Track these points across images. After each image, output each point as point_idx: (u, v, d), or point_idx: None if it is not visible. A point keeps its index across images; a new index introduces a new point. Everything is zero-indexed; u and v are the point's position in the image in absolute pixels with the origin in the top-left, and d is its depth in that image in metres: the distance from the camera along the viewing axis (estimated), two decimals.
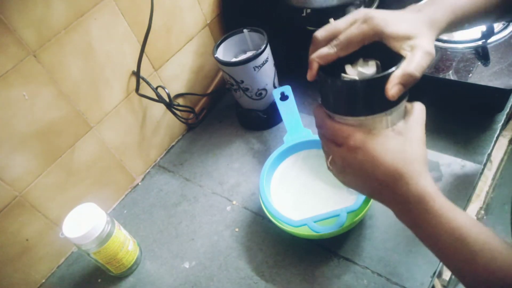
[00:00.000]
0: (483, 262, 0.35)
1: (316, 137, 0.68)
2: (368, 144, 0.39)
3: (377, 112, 0.39)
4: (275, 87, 0.80)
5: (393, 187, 0.38)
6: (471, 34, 0.69)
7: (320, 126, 0.43)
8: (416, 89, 0.40)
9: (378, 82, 0.37)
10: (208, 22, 0.87)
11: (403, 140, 0.39)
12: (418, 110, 0.41)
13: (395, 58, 0.39)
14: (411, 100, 0.43)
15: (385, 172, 0.38)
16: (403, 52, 0.39)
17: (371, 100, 0.39)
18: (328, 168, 0.46)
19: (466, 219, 0.36)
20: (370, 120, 0.40)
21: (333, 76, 0.40)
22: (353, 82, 0.39)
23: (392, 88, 0.37)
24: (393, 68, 0.37)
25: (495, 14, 0.50)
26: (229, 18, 0.90)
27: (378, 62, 0.41)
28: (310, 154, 0.69)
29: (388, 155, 0.38)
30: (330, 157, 0.43)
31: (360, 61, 0.41)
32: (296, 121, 0.70)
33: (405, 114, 0.41)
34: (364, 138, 0.39)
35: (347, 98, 0.40)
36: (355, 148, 0.39)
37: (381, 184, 0.39)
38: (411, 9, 0.44)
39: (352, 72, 0.41)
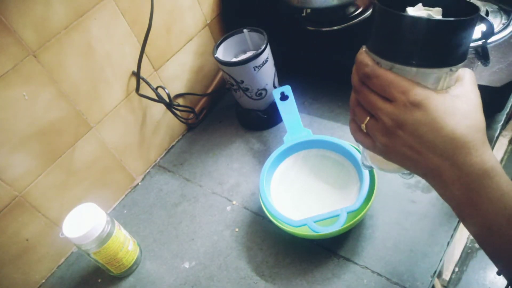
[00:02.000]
0: None
1: (316, 137, 0.68)
2: (431, 102, 0.32)
3: (446, 64, 0.33)
4: (275, 87, 0.80)
5: (452, 157, 0.33)
6: None
7: (368, 75, 0.35)
8: None
9: (459, 26, 0.32)
10: (208, 22, 0.87)
11: (465, 103, 0.34)
12: (470, 75, 0.36)
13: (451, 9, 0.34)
14: None
15: (446, 137, 0.32)
16: None
17: (443, 48, 0.33)
18: (358, 132, 0.38)
19: None
20: (431, 76, 0.34)
21: (403, 11, 0.33)
22: (431, 21, 0.32)
23: None
24: (474, 16, 0.32)
25: None
26: (229, 18, 0.90)
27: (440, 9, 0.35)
28: (310, 154, 0.69)
29: (452, 118, 0.32)
30: (368, 118, 0.36)
31: (420, 5, 0.35)
32: (296, 121, 0.70)
33: (457, 79, 0.36)
34: (427, 94, 0.33)
35: (416, 41, 0.32)
36: (414, 105, 0.33)
37: (436, 153, 0.33)
38: None
39: (418, 14, 0.35)
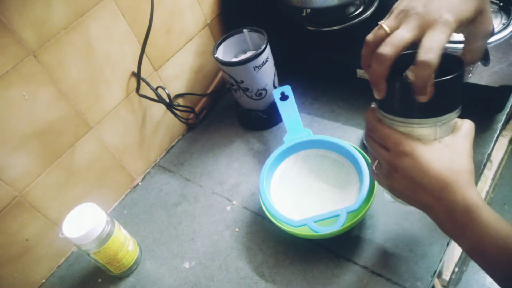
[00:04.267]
0: None
1: (316, 137, 0.68)
2: (417, 150, 0.40)
3: (429, 116, 0.40)
4: (275, 87, 0.80)
5: (439, 196, 0.39)
6: None
7: (371, 130, 0.44)
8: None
9: (443, 85, 0.37)
10: (208, 22, 0.87)
11: (451, 151, 0.40)
12: (467, 126, 0.42)
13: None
14: None
15: (432, 179, 0.39)
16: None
17: (427, 104, 0.38)
18: (373, 172, 0.47)
19: (508, 230, 0.37)
20: (420, 128, 0.41)
21: (395, 77, 0.39)
22: (404, 83, 0.39)
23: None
24: (456, 74, 0.38)
25: None
26: (229, 18, 0.90)
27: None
28: (310, 154, 0.69)
29: (435, 163, 0.39)
30: (377, 161, 0.45)
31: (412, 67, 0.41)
32: (296, 121, 0.70)
33: (454, 130, 0.42)
34: (413, 145, 0.40)
35: (405, 99, 0.40)
36: (404, 154, 0.40)
37: (426, 192, 0.39)
38: None
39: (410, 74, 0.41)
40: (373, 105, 0.45)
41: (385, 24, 0.39)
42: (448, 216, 0.39)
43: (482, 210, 0.37)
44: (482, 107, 0.68)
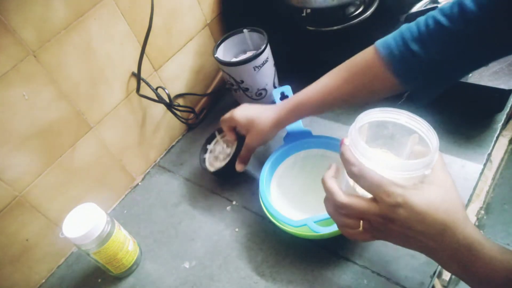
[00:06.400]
0: None
1: (316, 137, 0.67)
2: (410, 199, 0.38)
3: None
4: (275, 87, 0.80)
5: (440, 239, 0.38)
6: None
7: (354, 174, 0.41)
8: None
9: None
10: (208, 22, 0.87)
11: (439, 190, 0.39)
12: (438, 157, 0.41)
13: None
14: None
15: (430, 225, 0.38)
16: None
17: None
18: (357, 235, 0.43)
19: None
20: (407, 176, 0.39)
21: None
22: None
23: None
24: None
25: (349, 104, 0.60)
26: (229, 18, 0.90)
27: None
28: (310, 154, 0.69)
29: (430, 208, 0.38)
30: (361, 222, 0.42)
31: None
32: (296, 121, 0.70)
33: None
34: (406, 194, 0.38)
35: None
36: (398, 205, 0.38)
37: (427, 237, 0.39)
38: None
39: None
40: (345, 140, 0.43)
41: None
42: (451, 258, 0.39)
43: (484, 246, 0.37)
44: (482, 107, 0.68)
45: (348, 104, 0.60)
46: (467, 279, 0.39)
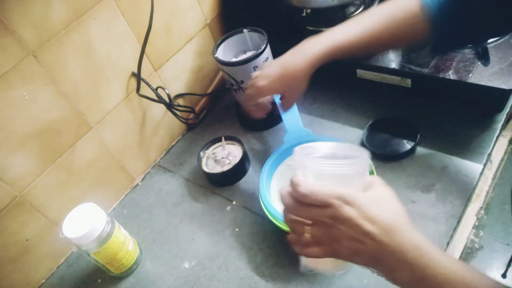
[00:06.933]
0: None
1: (316, 137, 0.67)
2: (358, 200, 0.40)
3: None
4: None
5: (387, 239, 0.39)
6: None
7: (303, 194, 0.42)
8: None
9: None
10: (208, 22, 0.87)
11: (384, 198, 0.42)
12: (376, 178, 0.44)
13: None
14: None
15: (377, 225, 0.39)
16: None
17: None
18: (306, 249, 0.44)
19: (456, 261, 0.39)
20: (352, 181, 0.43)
21: None
22: None
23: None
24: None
25: (384, 47, 0.62)
26: (229, 18, 0.90)
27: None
28: None
29: (377, 209, 0.40)
30: (310, 228, 0.43)
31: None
32: (296, 121, 0.70)
33: (367, 184, 0.44)
34: (354, 194, 0.40)
35: None
36: (348, 204, 0.40)
37: (374, 240, 0.39)
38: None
39: None
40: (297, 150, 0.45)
41: None
42: (399, 261, 0.38)
43: (430, 246, 0.39)
44: (482, 107, 0.68)
45: (379, 50, 0.64)
46: (414, 284, 0.39)
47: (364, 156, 0.43)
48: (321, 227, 0.42)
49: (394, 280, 0.40)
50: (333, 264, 0.47)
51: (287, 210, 0.44)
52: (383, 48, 0.63)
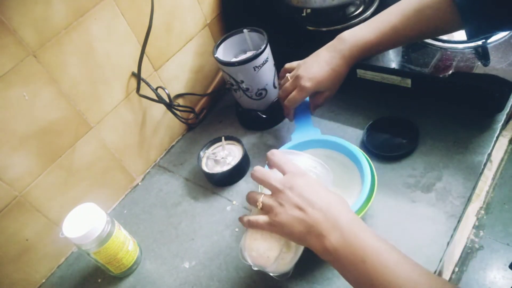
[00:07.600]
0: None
1: (324, 137, 0.66)
2: (309, 176, 0.49)
3: None
4: (275, 87, 0.80)
5: (327, 211, 0.45)
6: None
7: (268, 158, 0.52)
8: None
9: None
10: (208, 22, 0.87)
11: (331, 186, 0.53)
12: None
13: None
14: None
15: (319, 197, 0.46)
16: None
17: None
18: (256, 221, 0.49)
19: (382, 238, 0.44)
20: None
21: None
22: None
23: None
24: None
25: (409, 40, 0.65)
26: (229, 18, 0.90)
27: None
28: (315, 154, 0.67)
29: (323, 187, 0.49)
30: (261, 197, 0.49)
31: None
32: (306, 119, 0.69)
33: None
34: (305, 172, 0.50)
35: None
36: (299, 174, 0.49)
37: (315, 208, 0.45)
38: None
39: None
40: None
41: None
42: (334, 230, 0.44)
43: (362, 223, 0.45)
44: (482, 107, 0.69)
45: (407, 43, 0.69)
46: (343, 255, 0.43)
47: (330, 175, 0.53)
48: (272, 194, 0.48)
49: (324, 249, 0.44)
50: (273, 252, 0.50)
51: (253, 175, 0.51)
52: (412, 41, 0.68)
